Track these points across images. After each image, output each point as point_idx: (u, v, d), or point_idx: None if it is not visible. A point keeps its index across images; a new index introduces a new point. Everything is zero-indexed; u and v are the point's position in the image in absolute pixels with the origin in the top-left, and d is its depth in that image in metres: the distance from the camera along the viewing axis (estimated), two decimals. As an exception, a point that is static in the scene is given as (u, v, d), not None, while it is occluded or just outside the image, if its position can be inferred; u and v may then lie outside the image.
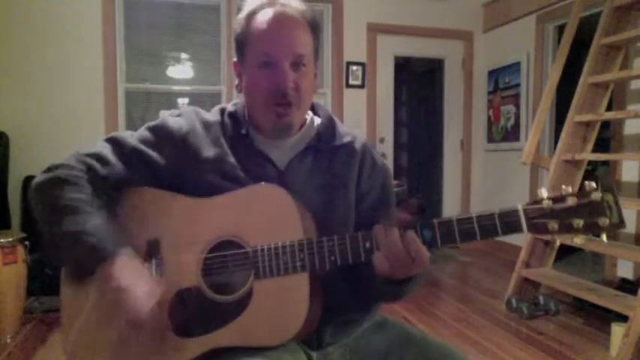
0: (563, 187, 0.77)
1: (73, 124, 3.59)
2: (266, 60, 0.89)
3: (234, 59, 0.98)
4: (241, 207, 0.87)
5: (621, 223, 0.74)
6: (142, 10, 3.86)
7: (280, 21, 0.90)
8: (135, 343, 0.83)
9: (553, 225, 0.75)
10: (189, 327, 0.84)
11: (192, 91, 4.06)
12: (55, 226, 0.84)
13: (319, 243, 0.82)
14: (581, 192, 0.75)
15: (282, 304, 0.83)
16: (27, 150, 3.46)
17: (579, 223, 0.74)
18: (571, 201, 0.75)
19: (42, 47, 3.56)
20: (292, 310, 0.82)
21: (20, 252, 2.40)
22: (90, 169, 0.89)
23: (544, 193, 0.76)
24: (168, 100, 4.03)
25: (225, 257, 0.86)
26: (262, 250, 0.83)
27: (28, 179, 3.45)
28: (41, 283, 2.95)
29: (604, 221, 0.73)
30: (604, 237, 0.74)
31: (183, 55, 4.07)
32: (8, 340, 2.37)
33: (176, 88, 4.03)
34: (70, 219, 0.83)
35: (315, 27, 0.94)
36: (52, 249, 0.85)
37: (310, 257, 0.82)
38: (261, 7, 0.92)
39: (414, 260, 0.78)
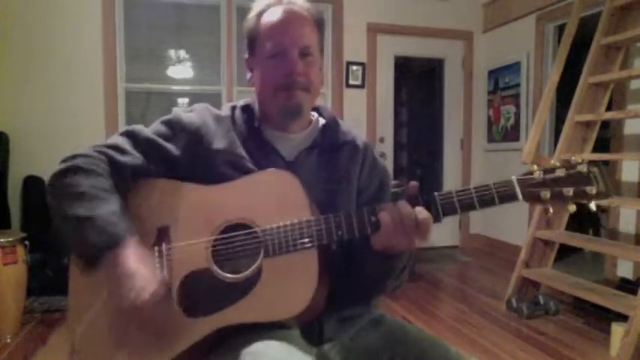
0: (552, 160, 0.84)
1: (73, 124, 3.59)
2: (275, 50, 0.96)
3: (246, 56, 1.04)
4: (250, 191, 0.91)
5: (607, 191, 0.80)
6: (142, 9, 3.86)
7: (288, 16, 0.97)
8: (138, 327, 0.85)
9: (545, 193, 0.81)
10: (200, 307, 0.86)
11: (192, 91, 4.06)
12: (68, 212, 0.86)
13: (326, 219, 0.85)
14: (569, 165, 0.82)
15: (291, 280, 0.85)
16: (27, 150, 3.46)
17: (569, 191, 0.80)
18: (560, 172, 0.81)
19: (42, 47, 3.56)
20: (301, 285, 0.84)
21: (20, 252, 2.40)
22: (108, 157, 0.93)
23: (535, 167, 0.83)
24: (168, 100, 4.03)
25: (234, 238, 0.88)
26: (271, 229, 0.86)
27: (28, 179, 3.45)
28: (41, 283, 2.95)
29: (591, 189, 0.80)
30: (593, 205, 0.81)
31: (183, 55, 4.07)
32: (8, 340, 2.37)
33: (176, 88, 4.03)
34: (84, 204, 0.85)
35: (319, 24, 1.01)
36: (63, 235, 0.87)
37: (318, 233, 0.85)
38: (270, 6, 0.99)
39: (418, 226, 0.81)
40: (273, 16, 0.97)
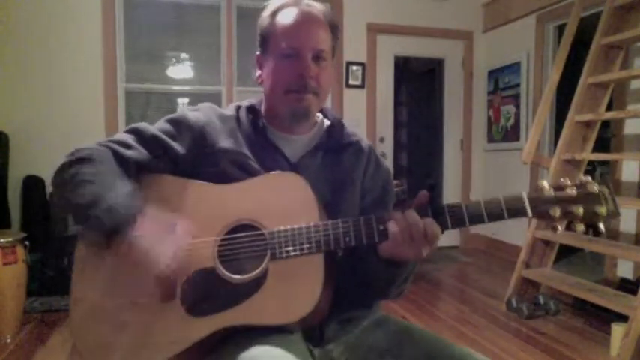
0: (562, 179, 0.83)
1: (73, 124, 3.59)
2: (289, 51, 0.95)
3: (257, 52, 1.04)
4: (258, 193, 0.91)
5: (617, 212, 0.80)
6: (142, 10, 3.86)
7: (304, 18, 0.97)
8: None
9: (555, 211, 0.80)
10: (203, 307, 0.86)
11: (192, 91, 4.06)
12: (77, 198, 0.84)
13: (334, 225, 0.85)
14: (579, 184, 0.81)
15: (296, 284, 0.85)
16: (27, 150, 3.46)
17: (579, 210, 0.80)
18: (571, 190, 0.81)
19: (42, 47, 3.56)
20: (306, 289, 0.84)
21: (20, 252, 2.40)
22: (113, 151, 0.92)
23: (545, 183, 0.82)
24: (168, 101, 4.03)
25: (241, 239, 0.88)
26: (279, 232, 0.86)
27: (28, 179, 3.45)
28: (41, 283, 2.96)
29: (602, 210, 0.79)
30: (602, 225, 0.80)
31: (183, 55, 4.07)
32: (8, 340, 2.37)
33: (176, 88, 4.03)
34: (93, 188, 0.84)
35: (334, 28, 1.01)
36: (75, 220, 0.86)
37: (326, 238, 0.85)
38: (286, 5, 0.99)
39: (426, 237, 0.81)
40: (289, 15, 0.97)
